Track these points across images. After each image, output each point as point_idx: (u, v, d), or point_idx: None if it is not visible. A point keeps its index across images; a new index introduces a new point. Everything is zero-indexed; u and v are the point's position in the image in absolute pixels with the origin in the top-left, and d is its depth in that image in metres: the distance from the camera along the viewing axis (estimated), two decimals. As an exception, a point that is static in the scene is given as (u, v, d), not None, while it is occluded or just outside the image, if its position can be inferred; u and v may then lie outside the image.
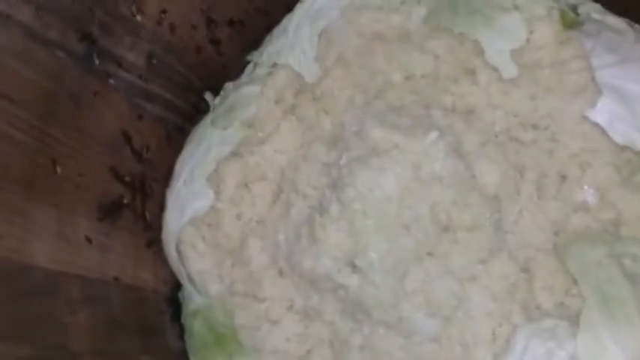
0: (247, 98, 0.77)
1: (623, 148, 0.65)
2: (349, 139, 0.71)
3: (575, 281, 0.64)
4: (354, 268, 0.66)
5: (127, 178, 0.74)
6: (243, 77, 0.82)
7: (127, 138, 0.74)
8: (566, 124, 0.69)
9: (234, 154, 0.76)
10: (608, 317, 0.56)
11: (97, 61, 0.68)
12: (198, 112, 0.83)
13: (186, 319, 0.77)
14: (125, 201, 0.74)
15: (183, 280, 0.77)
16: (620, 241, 0.62)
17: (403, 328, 0.67)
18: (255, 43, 0.81)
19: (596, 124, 0.67)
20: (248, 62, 0.81)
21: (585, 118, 0.68)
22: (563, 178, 0.69)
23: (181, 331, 0.77)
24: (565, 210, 0.68)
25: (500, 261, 0.67)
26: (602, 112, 0.62)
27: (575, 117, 0.69)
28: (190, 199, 0.76)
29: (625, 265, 0.59)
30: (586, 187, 0.68)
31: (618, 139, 0.61)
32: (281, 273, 0.73)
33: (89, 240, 0.67)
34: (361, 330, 0.68)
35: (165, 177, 0.79)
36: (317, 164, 0.73)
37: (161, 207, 0.78)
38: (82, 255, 0.66)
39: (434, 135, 0.67)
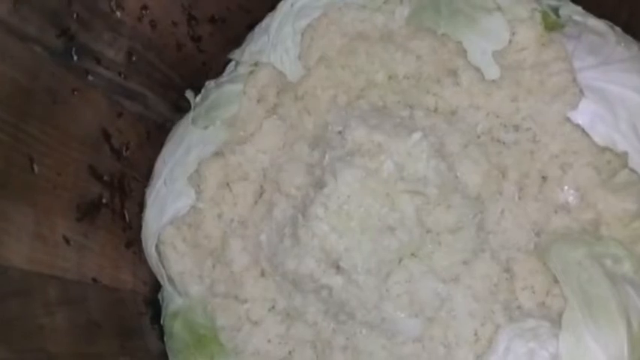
0: (229, 97, 0.77)
1: (604, 149, 0.65)
2: (332, 139, 0.71)
3: (556, 281, 0.64)
4: (338, 269, 0.66)
5: (106, 177, 0.73)
6: (225, 75, 0.82)
7: (106, 136, 0.73)
8: (547, 125, 0.70)
9: (216, 153, 0.75)
10: (590, 318, 0.56)
11: (75, 58, 0.67)
12: (178, 110, 0.82)
13: (166, 320, 0.76)
14: (104, 200, 0.73)
15: (163, 281, 0.76)
16: (601, 241, 0.62)
17: (386, 328, 0.67)
18: (237, 40, 0.81)
19: (576, 126, 0.67)
20: (229, 60, 0.81)
21: (566, 120, 0.68)
22: (544, 178, 0.70)
23: (161, 333, 0.76)
24: (546, 210, 0.68)
25: (482, 261, 0.67)
26: (584, 113, 0.62)
27: (556, 118, 0.69)
28: (171, 198, 0.75)
29: (606, 265, 0.60)
30: (567, 187, 0.69)
31: (599, 140, 0.62)
32: (263, 273, 0.73)
33: (67, 240, 0.66)
34: (344, 331, 0.68)
35: (145, 176, 0.78)
36: (300, 164, 0.72)
37: (140, 206, 0.77)
38: (60, 256, 0.65)
39: (417, 135, 0.67)
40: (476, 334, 0.66)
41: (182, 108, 0.82)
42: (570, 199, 0.68)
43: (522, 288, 0.67)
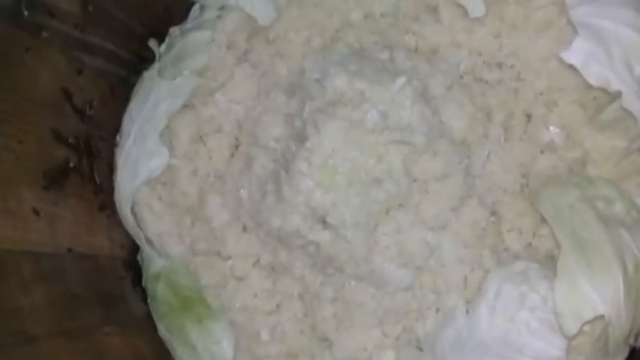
0: (196, 45, 0.73)
1: (589, 85, 0.64)
2: (310, 88, 0.68)
3: (542, 222, 0.64)
4: (325, 224, 0.65)
5: (71, 140, 0.69)
6: (189, 21, 0.77)
7: (67, 95, 0.68)
8: (531, 62, 0.68)
9: (186, 106, 0.71)
10: (585, 263, 0.56)
11: (25, 13, 0.62)
12: (142, 61, 0.77)
13: (147, 282, 0.74)
14: (71, 165, 0.69)
15: (142, 243, 0.74)
16: (592, 183, 0.61)
17: (375, 279, 0.66)
18: None
19: (562, 62, 0.65)
20: (193, 3, 0.77)
21: (552, 56, 0.66)
22: (529, 117, 0.68)
23: (144, 295, 0.74)
24: (532, 151, 0.68)
25: (470, 207, 0.66)
26: (577, 52, 0.60)
27: (541, 54, 0.67)
28: (143, 158, 0.71)
29: (598, 207, 0.59)
30: (552, 126, 0.68)
31: (593, 80, 0.60)
32: (245, 229, 0.71)
33: (36, 212, 0.63)
34: (332, 283, 0.68)
35: (112, 135, 0.74)
36: (278, 115, 0.70)
37: (110, 167, 0.74)
38: (31, 229, 0.62)
39: (401, 81, 0.65)
40: (465, 280, 0.65)
41: (146, 58, 0.77)
42: (556, 138, 0.67)
43: (509, 230, 0.66)
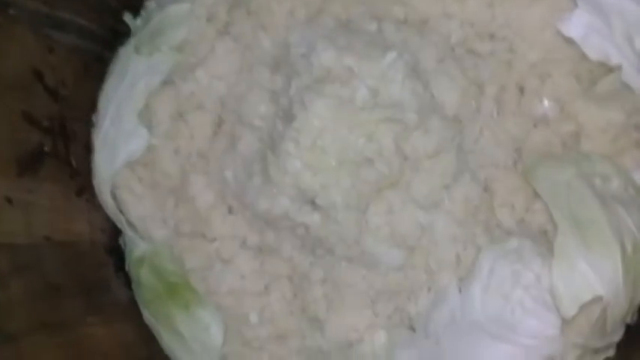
0: (175, 19, 0.70)
1: (584, 57, 0.62)
2: (296, 63, 0.65)
3: (535, 197, 0.63)
4: (314, 205, 0.63)
5: (45, 123, 0.66)
6: None
7: (39, 76, 0.66)
8: (525, 32, 0.66)
9: (165, 82, 0.69)
10: (583, 243, 0.55)
11: (-11, -11, 0.58)
12: (117, 36, 0.74)
13: (131, 267, 0.72)
14: (46, 149, 0.66)
15: (123, 227, 0.72)
16: (588, 159, 0.60)
17: (367, 260, 0.65)
18: None
19: (557, 32, 0.64)
20: None
21: (547, 25, 0.64)
22: (522, 90, 0.67)
23: (127, 280, 0.73)
24: (525, 125, 0.66)
25: (462, 185, 0.65)
26: (577, 25, 0.58)
27: (535, 25, 0.66)
28: (121, 140, 0.69)
29: (595, 185, 0.58)
30: (545, 99, 0.66)
31: (592, 53, 0.58)
32: (230, 210, 0.69)
33: (9, 200, 0.60)
34: (322, 264, 0.66)
35: (88, 115, 0.72)
36: (263, 91, 0.67)
37: (88, 149, 0.71)
38: (4, 219, 0.59)
39: (391, 56, 0.62)
40: (458, 258, 0.64)
41: (121, 33, 0.74)
42: (549, 111, 0.66)
43: (501, 205, 0.65)
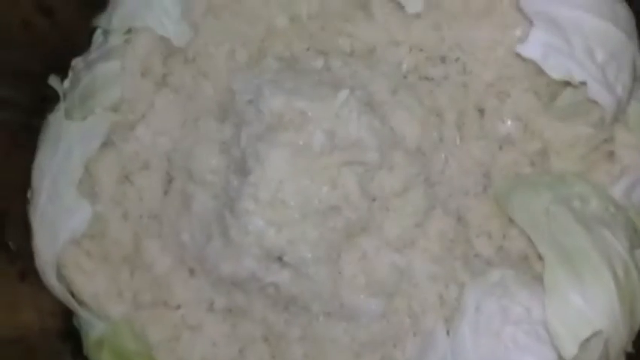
0: (105, 78, 0.66)
1: (541, 72, 0.60)
2: (244, 111, 0.63)
3: (511, 223, 0.61)
4: (282, 262, 0.60)
5: (-26, 207, 0.61)
6: (93, 50, 0.70)
7: None
8: (476, 52, 0.65)
9: (105, 145, 0.66)
10: (573, 274, 0.52)
11: None
12: (45, 102, 0.69)
13: (90, 352, 0.67)
14: (-23, 236, 0.61)
15: (75, 309, 0.67)
16: (563, 181, 0.58)
17: (346, 313, 0.62)
18: (97, 3, 0.70)
19: (509, 49, 0.62)
20: (94, 29, 0.71)
21: (497, 43, 0.63)
22: (482, 112, 0.65)
23: (89, 362, 0.67)
24: (490, 148, 0.64)
25: (435, 219, 0.63)
26: (535, 45, 0.56)
27: (485, 43, 0.64)
28: (61, 217, 0.65)
29: (575, 208, 0.56)
30: (507, 119, 0.64)
31: (554, 73, 0.56)
32: (192, 273, 0.66)
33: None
34: (298, 321, 0.63)
35: (22, 191, 0.67)
36: (211, 144, 0.64)
37: (26, 228, 0.66)
38: None
39: (343, 94, 0.60)
40: (441, 297, 0.62)
41: (49, 98, 0.69)
42: (513, 130, 0.64)
43: (477, 235, 0.64)
